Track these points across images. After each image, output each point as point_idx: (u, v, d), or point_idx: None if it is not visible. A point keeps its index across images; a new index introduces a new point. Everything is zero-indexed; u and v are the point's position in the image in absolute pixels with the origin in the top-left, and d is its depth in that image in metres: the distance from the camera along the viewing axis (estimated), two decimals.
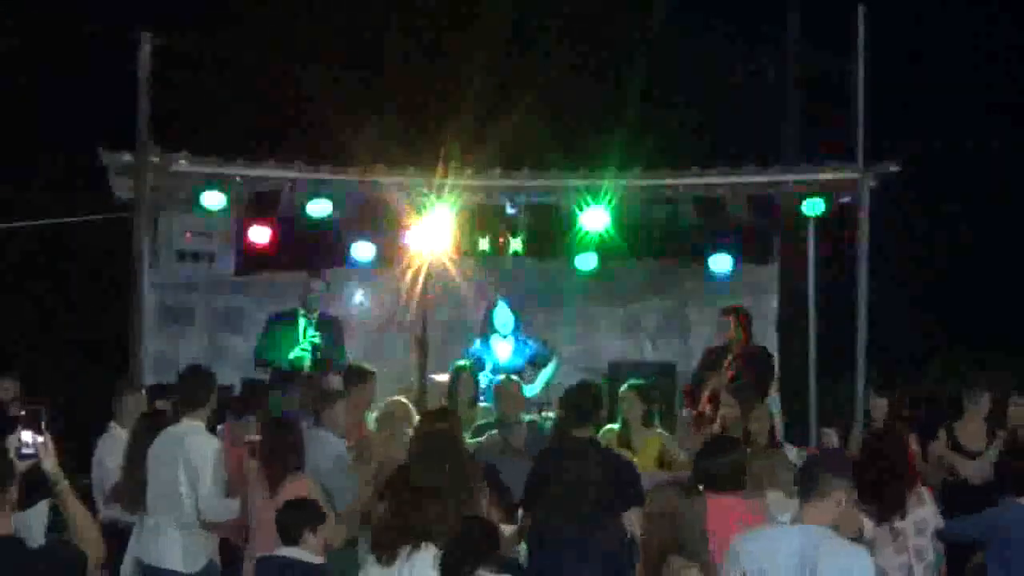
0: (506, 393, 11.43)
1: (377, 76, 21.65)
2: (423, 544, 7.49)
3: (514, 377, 12.10)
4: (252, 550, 9.09)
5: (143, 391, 11.08)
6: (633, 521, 8.58)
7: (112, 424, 10.82)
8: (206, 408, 9.55)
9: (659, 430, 11.73)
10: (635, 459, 10.59)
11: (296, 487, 8.92)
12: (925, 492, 9.52)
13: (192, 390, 9.56)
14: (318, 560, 8.34)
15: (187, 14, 18.96)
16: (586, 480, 8.82)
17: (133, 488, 9.63)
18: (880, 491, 9.14)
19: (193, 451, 9.21)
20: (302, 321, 12.96)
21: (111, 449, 10.51)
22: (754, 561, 6.64)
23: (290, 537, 8.33)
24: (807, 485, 6.70)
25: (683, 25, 22.05)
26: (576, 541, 8.70)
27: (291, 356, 12.85)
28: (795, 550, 6.54)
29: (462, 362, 12.84)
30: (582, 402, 9.47)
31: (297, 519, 8.37)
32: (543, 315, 14.66)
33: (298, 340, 12.92)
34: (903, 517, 9.23)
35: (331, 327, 13.09)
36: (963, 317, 20.60)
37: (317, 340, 12.88)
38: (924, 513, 9.32)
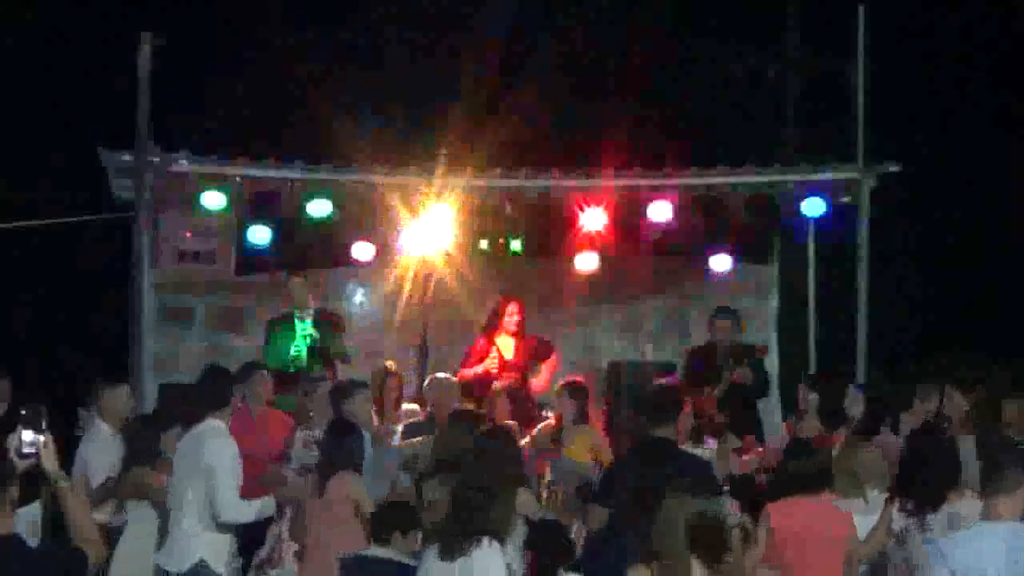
0: (442, 389, 11.53)
1: (377, 75, 21.65)
2: (484, 540, 7.58)
3: (452, 377, 12.22)
4: (302, 547, 9.22)
5: (127, 386, 10.85)
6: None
7: (97, 421, 10.48)
8: (229, 408, 9.50)
9: (589, 427, 11.75)
10: (567, 453, 11.02)
11: (339, 484, 9.07)
12: None
13: (214, 390, 9.50)
14: (405, 560, 8.36)
15: (187, 14, 18.98)
16: (661, 480, 8.80)
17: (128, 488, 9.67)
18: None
19: (210, 452, 9.16)
20: (299, 322, 12.94)
21: (101, 447, 10.27)
22: (961, 561, 6.69)
23: (380, 537, 8.41)
24: (994, 481, 6.79)
25: (683, 25, 22.03)
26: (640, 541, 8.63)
27: (290, 356, 12.84)
28: (1002, 548, 6.61)
29: (390, 362, 12.85)
30: (663, 403, 9.57)
31: (389, 520, 8.46)
32: (543, 315, 14.65)
33: (297, 343, 12.90)
34: None
35: (330, 323, 13.06)
36: (963, 317, 20.59)
37: (313, 334, 12.86)
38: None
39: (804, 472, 8.49)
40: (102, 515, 9.95)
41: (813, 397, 11.26)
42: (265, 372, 11.61)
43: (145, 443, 9.86)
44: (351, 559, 8.56)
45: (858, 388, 11.23)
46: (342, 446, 9.31)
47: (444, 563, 7.61)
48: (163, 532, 9.49)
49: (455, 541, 7.61)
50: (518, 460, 9.10)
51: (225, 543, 9.28)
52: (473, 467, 8.52)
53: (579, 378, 12.19)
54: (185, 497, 9.21)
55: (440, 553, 7.66)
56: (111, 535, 9.79)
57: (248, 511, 9.25)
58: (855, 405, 10.78)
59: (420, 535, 8.37)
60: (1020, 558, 6.61)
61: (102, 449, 10.17)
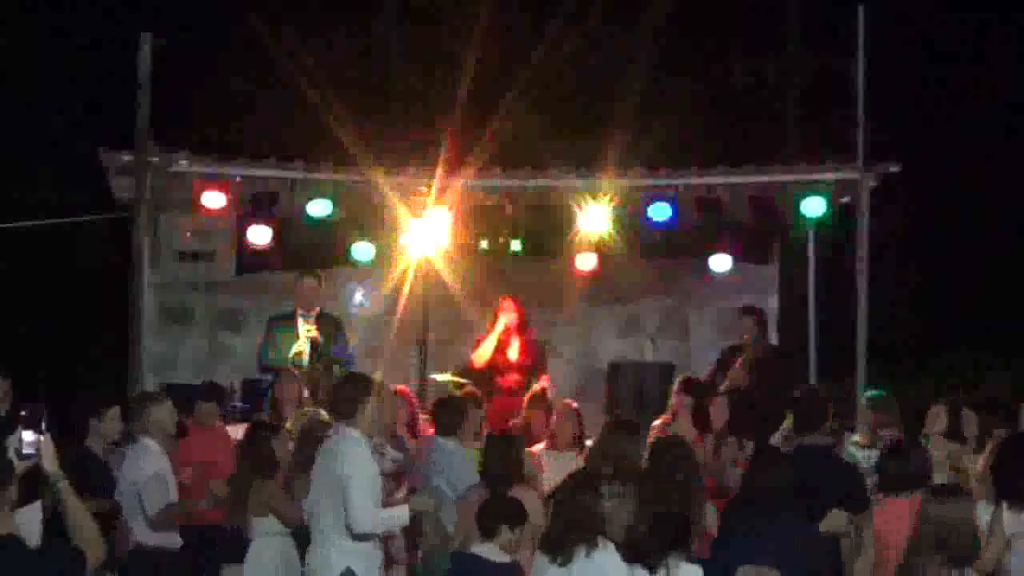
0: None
1: (377, 75, 21.67)
2: (600, 541, 7.61)
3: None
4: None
5: (170, 401, 10.49)
6: (857, 523, 8.80)
7: (143, 439, 10.06)
8: (366, 416, 9.09)
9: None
10: None
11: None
12: None
13: (350, 398, 9.15)
14: (506, 559, 8.36)
15: (187, 14, 18.99)
16: (809, 485, 8.74)
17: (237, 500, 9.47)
18: None
19: (346, 463, 8.88)
20: (301, 322, 12.92)
21: (150, 464, 9.95)
22: None
23: (487, 531, 8.41)
24: None
25: (683, 25, 22.04)
26: (775, 541, 8.43)
27: (291, 355, 12.81)
28: None
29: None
30: (810, 409, 9.66)
31: (497, 514, 8.45)
32: (543, 315, 14.65)
33: (296, 342, 12.87)
34: None
35: (332, 325, 13.04)
36: (963, 317, 20.60)
37: (314, 334, 12.83)
38: None
39: (903, 473, 8.64)
40: (158, 538, 9.82)
41: (688, 400, 11.63)
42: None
43: (263, 455, 9.54)
44: (464, 555, 8.57)
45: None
46: None
47: (560, 568, 7.66)
48: (303, 545, 9.22)
49: (564, 543, 7.65)
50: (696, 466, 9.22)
51: (373, 552, 9.01)
52: (665, 474, 8.66)
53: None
54: (324, 508, 8.91)
55: (550, 558, 7.71)
56: (166, 557, 9.77)
57: (381, 521, 8.99)
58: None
59: (524, 532, 8.39)
60: None
61: (154, 468, 9.90)
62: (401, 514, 9.09)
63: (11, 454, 5.66)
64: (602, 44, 22.01)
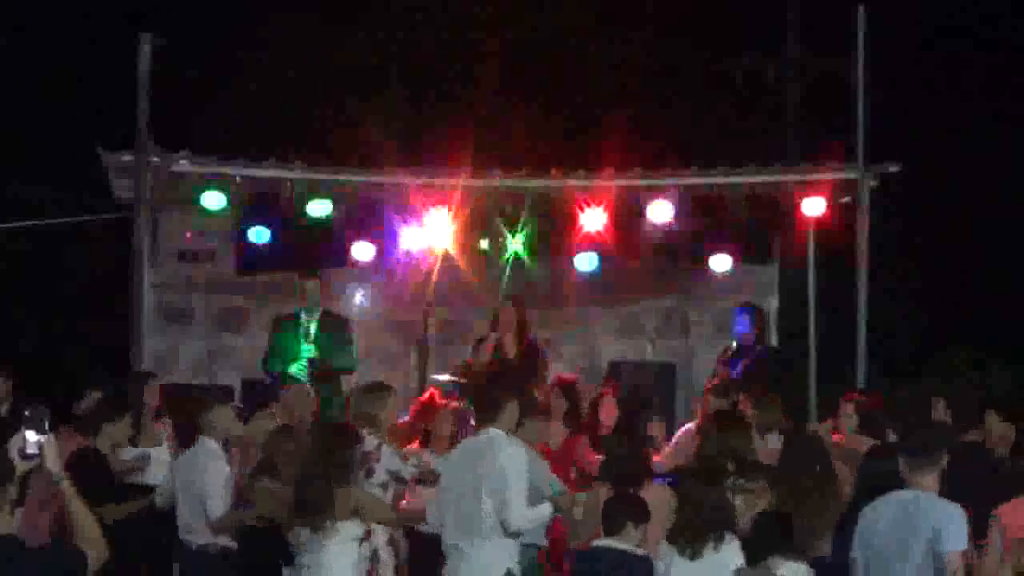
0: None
1: (378, 75, 21.67)
2: (726, 535, 7.74)
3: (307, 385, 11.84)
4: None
5: (231, 404, 10.45)
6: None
7: (204, 440, 9.95)
8: (510, 417, 9.07)
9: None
10: None
11: None
12: None
13: (494, 400, 9.11)
14: (639, 552, 8.38)
15: (187, 14, 18.98)
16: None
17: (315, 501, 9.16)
18: None
19: (498, 461, 8.81)
20: (304, 323, 12.89)
21: (215, 467, 9.83)
22: None
23: (612, 528, 8.43)
24: None
25: (683, 25, 22.04)
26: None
27: (297, 356, 12.78)
28: None
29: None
30: (967, 407, 9.78)
31: (621, 511, 8.46)
32: (543, 315, 14.65)
33: (301, 344, 12.84)
34: None
35: (336, 326, 12.99)
36: (963, 317, 20.60)
37: (314, 350, 12.75)
38: None
39: None
40: (219, 540, 9.76)
41: (562, 402, 11.72)
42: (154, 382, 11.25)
43: (345, 458, 9.19)
44: (586, 551, 8.57)
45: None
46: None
47: (690, 562, 7.76)
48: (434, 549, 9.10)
49: (694, 537, 7.77)
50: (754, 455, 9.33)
51: (522, 551, 8.99)
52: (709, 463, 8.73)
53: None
54: (473, 509, 8.80)
55: (679, 551, 7.82)
56: (224, 559, 9.67)
57: (535, 517, 8.96)
58: None
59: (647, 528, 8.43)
60: None
61: (220, 471, 9.82)
62: (547, 512, 9.08)
63: (15, 454, 5.66)
64: (602, 44, 22.01)
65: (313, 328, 12.80)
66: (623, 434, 10.19)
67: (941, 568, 7.50)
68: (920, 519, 7.52)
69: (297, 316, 12.90)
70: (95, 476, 9.66)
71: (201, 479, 9.80)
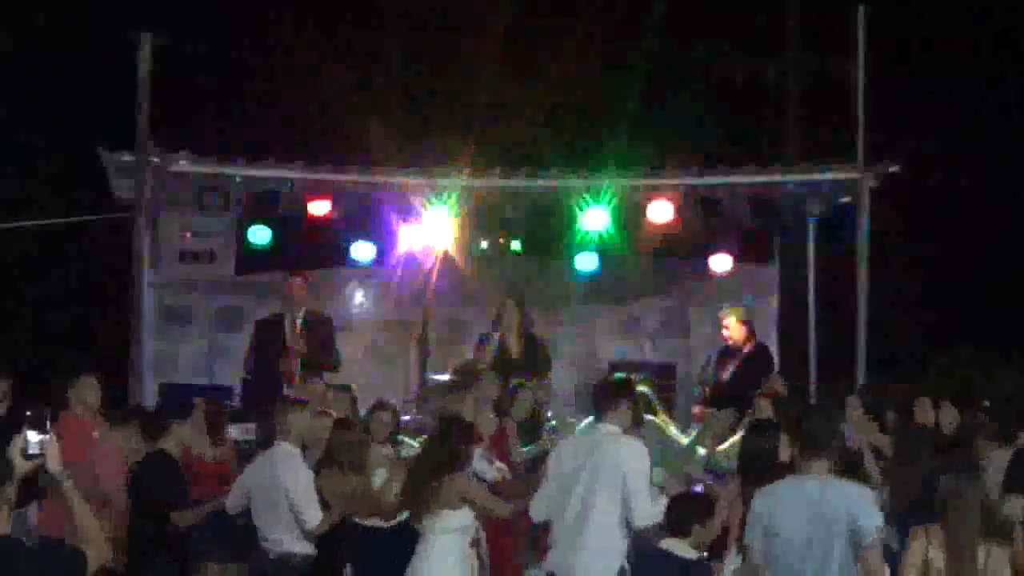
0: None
1: (378, 75, 21.66)
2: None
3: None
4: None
5: (306, 406, 10.16)
6: None
7: (281, 443, 9.72)
8: (622, 413, 8.98)
9: None
10: None
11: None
12: None
13: (608, 396, 8.99)
14: (694, 556, 8.41)
15: (187, 14, 18.96)
16: None
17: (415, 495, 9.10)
18: None
19: (620, 457, 8.73)
20: (288, 322, 12.89)
21: (302, 472, 9.65)
22: None
23: (679, 529, 8.44)
24: None
25: (683, 25, 22.03)
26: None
27: (279, 357, 12.78)
28: None
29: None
30: None
31: (688, 512, 8.47)
32: (543, 315, 14.65)
33: (284, 344, 12.84)
34: None
35: (319, 325, 13.00)
36: (963, 317, 20.59)
37: (302, 349, 12.76)
38: None
39: None
40: (304, 546, 9.57)
41: (494, 388, 11.60)
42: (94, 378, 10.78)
43: (459, 449, 9.09)
44: (653, 552, 8.56)
45: None
46: None
47: None
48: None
49: None
50: None
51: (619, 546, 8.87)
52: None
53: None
54: (590, 504, 8.69)
55: None
56: (306, 564, 9.53)
57: (658, 512, 8.80)
58: None
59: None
60: None
61: (307, 477, 9.62)
62: (664, 505, 8.98)
63: (16, 454, 5.65)
64: (602, 44, 22.00)
65: (298, 327, 12.81)
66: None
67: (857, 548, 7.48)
68: (833, 504, 7.42)
69: (281, 315, 12.91)
70: (168, 481, 9.60)
71: (288, 487, 9.53)
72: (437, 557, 8.80)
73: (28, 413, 5.71)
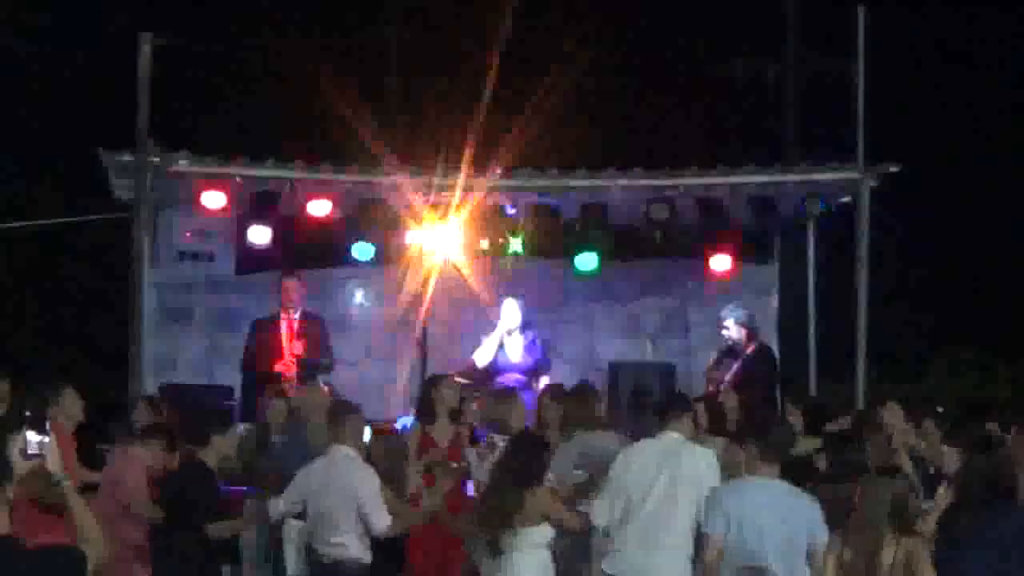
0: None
1: (378, 75, 21.67)
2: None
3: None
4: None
5: (361, 413, 10.02)
6: None
7: (339, 448, 9.51)
8: (689, 425, 9.20)
9: None
10: None
11: None
12: None
13: (672, 407, 9.22)
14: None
15: (187, 14, 18.99)
16: None
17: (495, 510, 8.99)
18: None
19: (703, 468, 8.85)
20: (284, 323, 12.90)
21: (368, 477, 9.41)
22: None
23: None
24: None
25: (683, 25, 22.05)
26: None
27: (276, 357, 12.78)
28: None
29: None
30: None
31: None
32: (543, 315, 14.65)
33: (281, 344, 12.84)
34: None
35: (314, 326, 13.00)
36: (963, 317, 20.60)
37: (299, 351, 12.76)
38: None
39: None
40: (367, 552, 9.39)
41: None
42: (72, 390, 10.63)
43: (535, 464, 9.07)
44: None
45: None
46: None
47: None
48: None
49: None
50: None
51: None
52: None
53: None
54: (670, 512, 8.80)
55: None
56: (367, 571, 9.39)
57: None
58: None
59: None
60: None
61: (372, 481, 9.40)
62: None
63: (16, 454, 5.67)
64: (602, 44, 22.00)
65: (294, 328, 12.82)
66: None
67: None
68: (792, 507, 7.93)
69: (277, 316, 12.93)
70: (205, 491, 9.40)
71: (359, 490, 9.34)
72: (526, 573, 8.80)
73: (28, 414, 5.73)
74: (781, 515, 7.90)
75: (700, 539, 8.58)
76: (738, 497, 8.01)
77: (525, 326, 13.75)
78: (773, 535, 7.89)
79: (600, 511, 8.99)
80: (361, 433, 9.81)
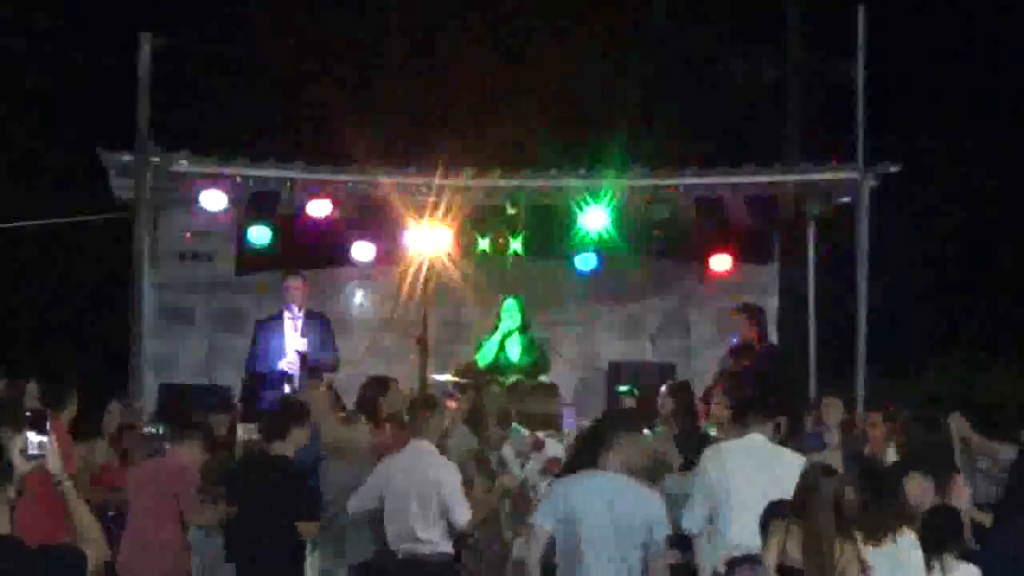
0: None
1: (378, 75, 21.67)
2: (904, 528, 7.82)
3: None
4: None
5: (442, 407, 9.92)
6: None
7: (419, 441, 9.39)
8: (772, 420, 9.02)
9: None
10: None
11: None
12: None
13: (756, 410, 9.00)
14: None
15: (187, 14, 18.98)
16: None
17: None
18: None
19: (781, 467, 8.59)
20: (288, 322, 12.89)
21: (450, 470, 9.35)
22: None
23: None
24: None
25: (683, 25, 22.05)
26: None
27: (281, 358, 12.77)
28: None
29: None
30: None
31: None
32: (543, 315, 14.66)
33: (286, 342, 12.83)
34: None
35: (318, 326, 12.99)
36: (963, 317, 20.61)
37: (302, 348, 12.76)
38: None
39: None
40: (448, 545, 9.31)
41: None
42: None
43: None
44: (740, 559, 8.46)
45: None
46: None
47: (874, 549, 7.76)
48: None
49: (877, 527, 7.80)
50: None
51: None
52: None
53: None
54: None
55: (872, 541, 7.84)
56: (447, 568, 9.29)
57: None
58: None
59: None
60: None
61: (455, 475, 9.32)
62: None
63: (16, 454, 5.66)
64: (602, 44, 22.01)
65: (298, 327, 12.82)
66: None
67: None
68: (632, 504, 7.86)
69: (280, 315, 12.92)
70: (295, 488, 9.23)
71: (442, 484, 9.26)
72: None
73: (28, 414, 5.72)
74: (614, 509, 7.77)
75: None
76: (573, 489, 7.89)
77: (525, 326, 13.74)
78: (604, 527, 7.76)
79: (693, 520, 8.82)
80: (440, 428, 9.73)
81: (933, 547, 7.87)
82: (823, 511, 7.41)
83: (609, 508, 7.77)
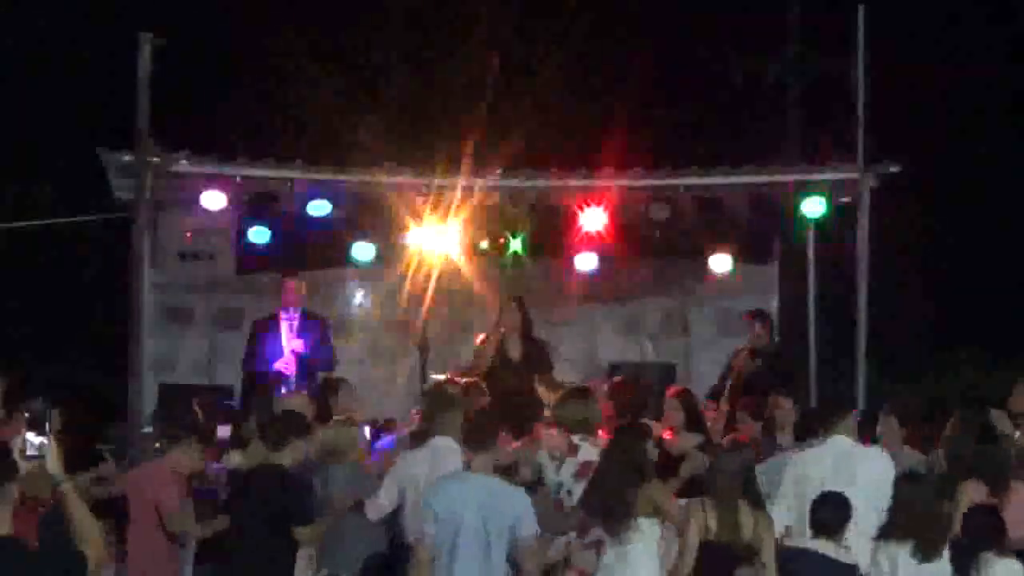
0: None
1: (377, 75, 21.66)
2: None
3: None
4: None
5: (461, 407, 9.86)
6: None
7: (441, 439, 9.42)
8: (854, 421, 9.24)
9: None
10: None
11: None
12: None
13: (834, 411, 9.26)
14: (847, 560, 8.45)
15: (187, 14, 18.97)
16: None
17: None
18: None
19: (885, 471, 8.89)
20: (285, 322, 12.90)
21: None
22: None
23: (827, 531, 8.48)
24: None
25: (683, 24, 22.03)
26: None
27: (278, 358, 12.77)
28: None
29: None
30: None
31: (836, 515, 8.50)
32: (543, 315, 14.65)
33: (281, 345, 12.84)
34: None
35: (315, 326, 13.00)
36: (963, 317, 20.60)
37: (298, 347, 12.77)
38: None
39: None
40: None
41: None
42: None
43: (641, 457, 9.12)
44: (798, 551, 8.57)
45: None
46: None
47: (922, 564, 7.96)
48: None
49: (937, 543, 8.00)
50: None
51: None
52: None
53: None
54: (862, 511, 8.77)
55: (913, 551, 8.03)
56: None
57: None
58: None
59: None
60: None
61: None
62: None
63: (16, 455, 5.66)
64: (602, 44, 22.00)
65: (294, 327, 12.82)
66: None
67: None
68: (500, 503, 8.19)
69: (277, 316, 12.93)
70: (296, 497, 9.19)
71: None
72: (640, 566, 8.82)
73: (27, 414, 5.72)
74: (483, 508, 8.08)
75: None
76: (440, 493, 8.27)
77: (525, 326, 13.72)
78: (468, 526, 8.06)
79: (776, 520, 8.85)
80: (459, 425, 9.57)
81: (972, 547, 7.94)
82: (727, 481, 8.25)
83: (474, 506, 8.12)
